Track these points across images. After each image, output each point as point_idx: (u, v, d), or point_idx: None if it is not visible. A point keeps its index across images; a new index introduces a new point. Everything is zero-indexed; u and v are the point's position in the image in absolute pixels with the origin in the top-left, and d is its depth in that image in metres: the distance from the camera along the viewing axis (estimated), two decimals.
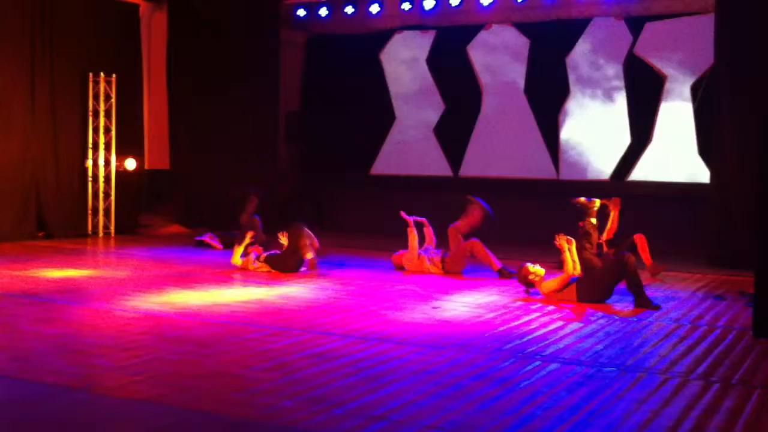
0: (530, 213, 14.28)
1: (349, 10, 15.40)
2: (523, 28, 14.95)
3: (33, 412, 4.91)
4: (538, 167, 14.90)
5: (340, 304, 8.56)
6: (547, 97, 14.83)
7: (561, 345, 6.84)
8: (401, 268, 11.13)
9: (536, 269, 9.16)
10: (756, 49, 11.80)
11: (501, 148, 15.23)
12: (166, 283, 9.85)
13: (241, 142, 15.67)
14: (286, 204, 15.59)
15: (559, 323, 7.76)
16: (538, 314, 8.18)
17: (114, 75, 14.84)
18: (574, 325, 7.71)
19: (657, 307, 8.46)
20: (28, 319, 7.49)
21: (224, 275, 10.42)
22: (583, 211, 9.15)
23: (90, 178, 14.82)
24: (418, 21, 15.54)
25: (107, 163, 14.94)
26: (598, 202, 9.24)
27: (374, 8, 15.17)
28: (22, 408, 4.99)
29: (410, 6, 14.98)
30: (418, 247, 11.09)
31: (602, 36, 14.39)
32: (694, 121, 13.66)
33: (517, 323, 7.72)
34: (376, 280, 10.21)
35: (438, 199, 15.04)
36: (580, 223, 9.08)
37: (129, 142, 15.32)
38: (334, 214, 16.21)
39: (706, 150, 13.27)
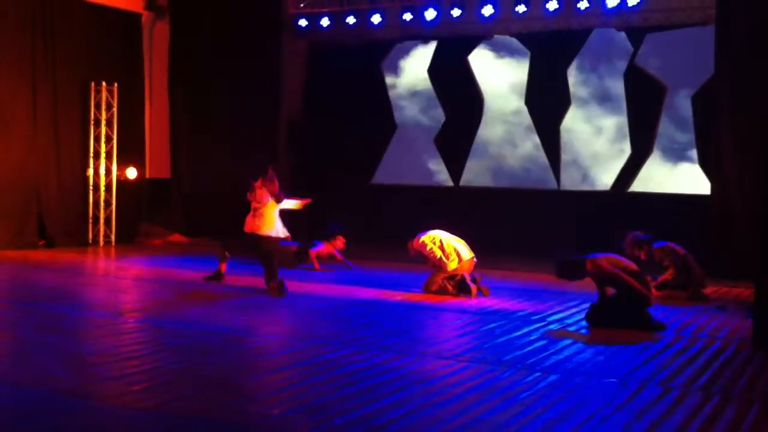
0: (531, 224, 14.29)
1: (351, 20, 15.42)
2: (523, 39, 14.98)
3: (32, 420, 4.91)
4: (539, 178, 14.92)
5: (340, 314, 8.55)
6: (548, 108, 14.85)
7: (561, 356, 6.84)
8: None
9: None
10: (755, 61, 11.84)
11: (501, 158, 15.25)
12: (166, 291, 9.85)
13: (242, 151, 15.66)
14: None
15: (560, 334, 7.76)
16: (538, 325, 8.18)
17: (115, 84, 14.87)
18: (574, 336, 7.71)
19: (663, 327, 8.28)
20: (29, 327, 7.49)
21: (224, 284, 10.40)
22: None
23: (91, 187, 14.83)
24: (419, 31, 15.56)
25: (108, 171, 14.95)
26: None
27: (376, 18, 15.19)
28: (21, 415, 4.98)
29: (411, 16, 14.99)
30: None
31: (603, 47, 14.42)
32: (694, 132, 13.68)
33: (517, 334, 7.72)
34: (375, 290, 10.20)
35: (438, 209, 15.07)
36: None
37: (130, 150, 15.34)
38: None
39: (706, 161, 13.29)
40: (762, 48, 11.81)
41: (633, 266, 8.27)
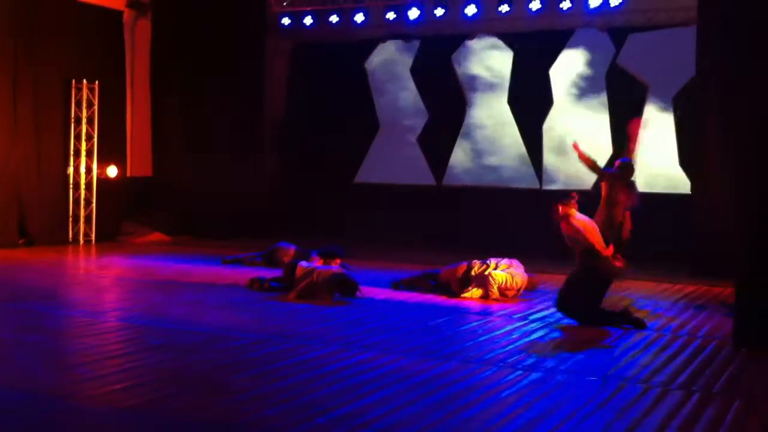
0: (512, 223, 14.31)
1: (334, 19, 15.41)
2: (507, 38, 15.01)
3: (14, 421, 4.87)
4: (521, 177, 14.95)
5: (323, 313, 8.55)
6: (531, 108, 14.89)
7: (543, 354, 6.86)
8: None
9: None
10: (736, 61, 11.91)
11: (484, 157, 15.28)
12: (148, 290, 9.81)
13: (225, 149, 15.62)
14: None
15: (541, 332, 7.79)
16: (520, 323, 8.21)
17: (97, 82, 14.77)
18: (556, 334, 7.74)
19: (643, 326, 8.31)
20: (10, 327, 7.43)
21: (206, 283, 10.36)
22: None
23: (71, 185, 14.73)
24: (402, 31, 15.57)
25: (89, 170, 14.86)
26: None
27: (359, 17, 15.19)
28: (2, 416, 4.95)
29: (395, 16, 15.00)
30: None
31: (586, 47, 14.48)
32: (675, 131, 13.76)
33: (499, 332, 7.74)
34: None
35: (421, 207, 15.10)
36: None
37: (111, 149, 15.23)
38: (318, 222, 16.18)
39: (687, 161, 13.37)
40: (742, 49, 11.88)
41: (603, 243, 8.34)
